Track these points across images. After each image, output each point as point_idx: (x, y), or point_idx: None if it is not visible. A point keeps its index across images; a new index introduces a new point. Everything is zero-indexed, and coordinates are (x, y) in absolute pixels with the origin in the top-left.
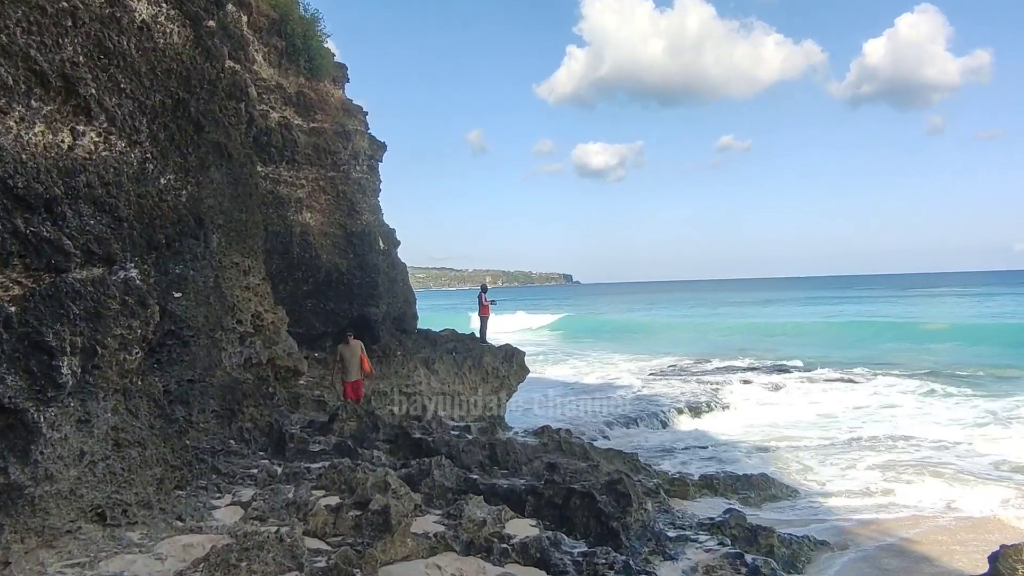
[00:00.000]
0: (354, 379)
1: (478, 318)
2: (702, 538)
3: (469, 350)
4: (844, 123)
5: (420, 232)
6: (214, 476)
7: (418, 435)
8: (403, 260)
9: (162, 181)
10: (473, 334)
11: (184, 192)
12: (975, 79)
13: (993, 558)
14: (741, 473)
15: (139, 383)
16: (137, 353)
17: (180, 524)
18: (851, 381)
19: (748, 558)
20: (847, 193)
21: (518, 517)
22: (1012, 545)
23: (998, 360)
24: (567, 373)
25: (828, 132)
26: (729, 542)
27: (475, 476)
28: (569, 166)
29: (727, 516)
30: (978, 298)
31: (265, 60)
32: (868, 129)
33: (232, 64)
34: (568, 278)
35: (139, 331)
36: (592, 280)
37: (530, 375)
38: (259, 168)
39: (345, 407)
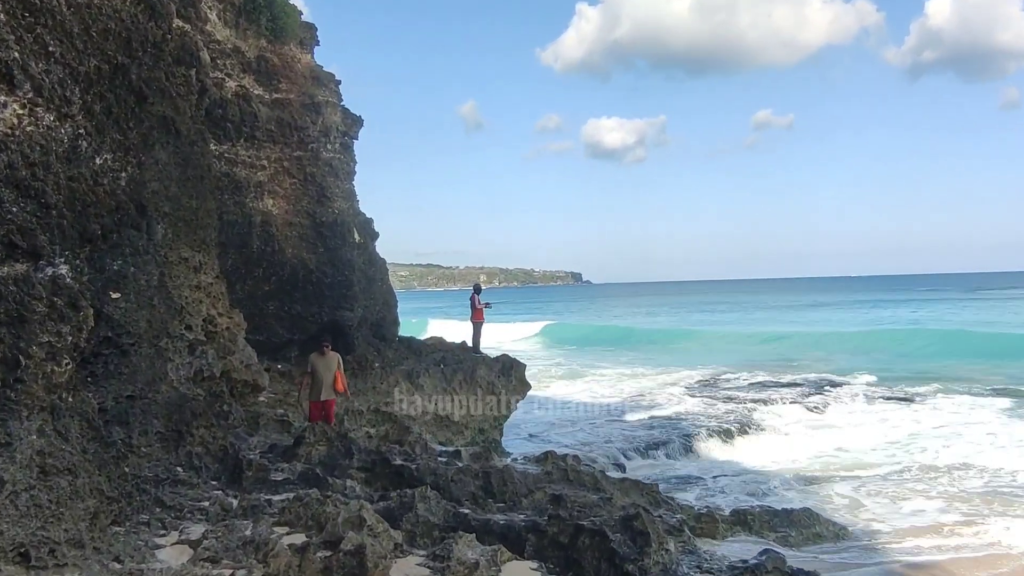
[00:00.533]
0: (325, 398)
1: (470, 324)
2: None
3: (460, 361)
4: (903, 96)
5: (403, 223)
6: (158, 510)
7: (399, 462)
8: (382, 255)
9: (98, 161)
10: (464, 343)
11: (124, 174)
12: None
13: None
14: (780, 508)
15: (70, 400)
16: (67, 364)
17: (117, 566)
18: (911, 400)
19: None
20: (905, 178)
21: (517, 559)
22: None
23: None
24: (575, 389)
25: (884, 106)
26: None
27: (466, 510)
28: (579, 145)
29: (763, 559)
30: None
31: (220, 19)
32: (931, 102)
33: (181, 24)
34: (577, 277)
35: (70, 338)
36: (605, 280)
37: (532, 391)
38: (212, 147)
39: (313, 429)
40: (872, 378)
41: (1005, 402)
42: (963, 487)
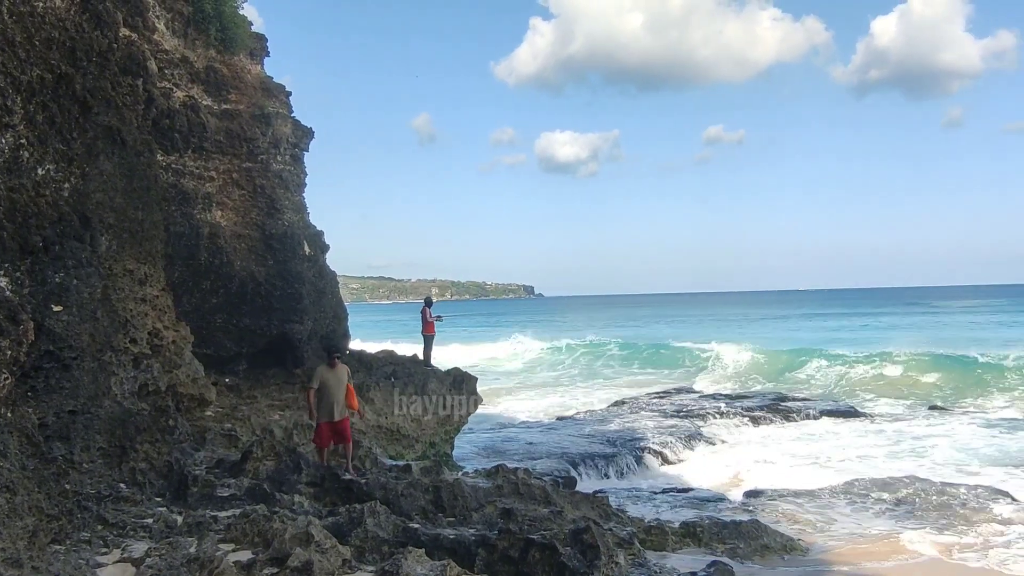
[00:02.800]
0: (340, 418)
1: (421, 337)
2: None
3: (411, 375)
4: (850, 113)
5: (354, 235)
6: (100, 527)
7: (348, 476)
8: (333, 268)
9: (40, 172)
10: (415, 356)
11: (67, 185)
12: (998, 65)
13: None
14: (729, 520)
15: (8, 415)
16: (6, 379)
17: None
18: (856, 415)
19: None
20: (853, 194)
21: (466, 573)
22: None
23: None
24: (527, 404)
25: (831, 123)
26: None
27: (416, 525)
28: (533, 158)
29: (712, 570)
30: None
31: (168, 28)
32: (877, 120)
33: (128, 33)
34: (530, 290)
35: (9, 352)
36: (558, 293)
37: (485, 405)
38: (159, 157)
39: (261, 443)
40: (820, 391)
41: (944, 417)
42: (905, 499)
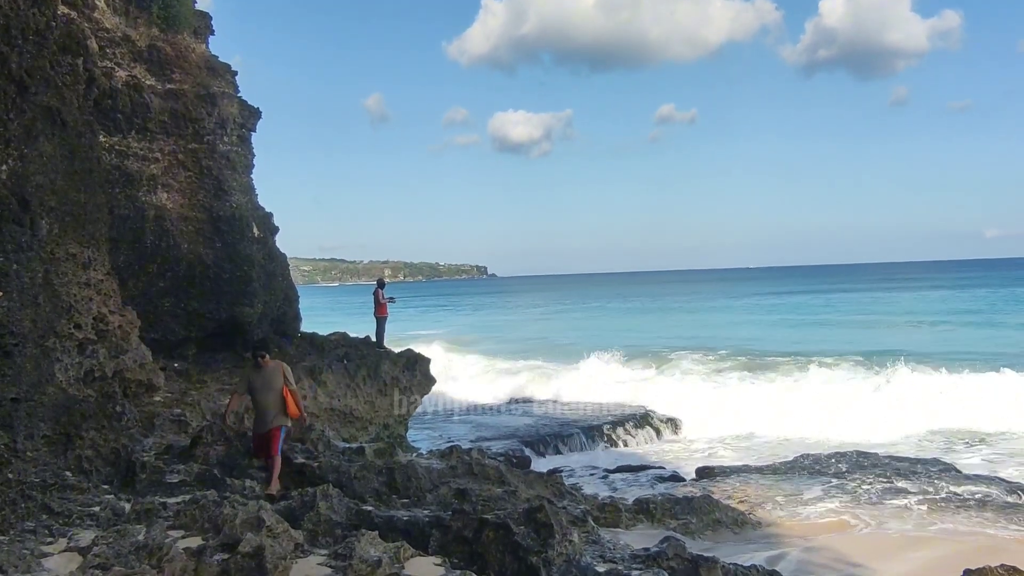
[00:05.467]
0: (268, 428)
1: (373, 318)
2: (636, 572)
3: (363, 357)
4: (798, 92)
5: (305, 217)
6: (44, 516)
7: (300, 460)
8: (284, 250)
9: None
10: (368, 338)
11: (4, 167)
12: (944, 45)
13: None
14: (681, 496)
15: None
16: None
17: None
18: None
19: None
20: (802, 172)
21: (420, 555)
22: (976, 569)
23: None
24: (482, 384)
25: (781, 102)
26: (667, 575)
27: (369, 508)
28: (486, 138)
29: (664, 546)
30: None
31: (108, 6)
32: (825, 99)
33: (67, 11)
34: (483, 270)
35: None
36: (511, 273)
37: (437, 386)
38: (102, 139)
39: (211, 428)
40: (769, 362)
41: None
42: (849, 470)
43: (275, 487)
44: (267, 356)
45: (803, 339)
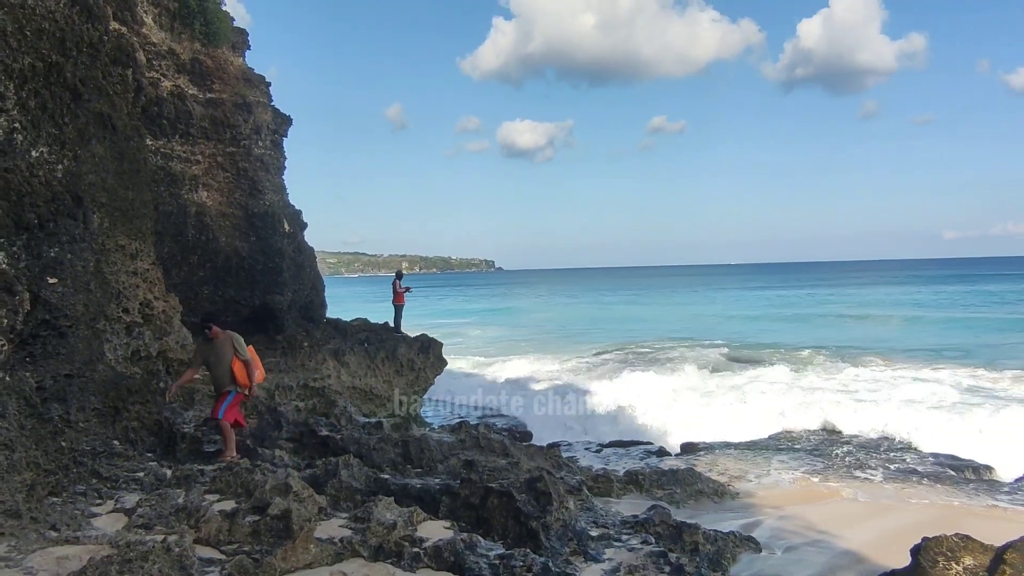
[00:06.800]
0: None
1: (392, 306)
2: (625, 537)
3: (382, 341)
4: (778, 106)
5: (330, 214)
6: (94, 481)
7: (325, 432)
8: (311, 244)
9: (33, 154)
10: (387, 323)
11: (60, 167)
12: (910, 64)
13: (915, 550)
14: (667, 468)
15: (7, 379)
16: (3, 345)
17: (54, 534)
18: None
19: (672, 556)
20: (780, 179)
21: (432, 519)
22: (933, 537)
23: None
24: (493, 366)
25: (762, 115)
26: (653, 540)
27: (386, 476)
28: (495, 145)
29: (651, 513)
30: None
31: (155, 23)
32: (802, 113)
33: (117, 26)
34: (491, 264)
35: (6, 320)
36: (516, 267)
37: (449, 368)
38: (148, 142)
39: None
40: (753, 352)
41: (858, 370)
42: (819, 446)
43: (226, 452)
44: (215, 328)
45: (785, 331)
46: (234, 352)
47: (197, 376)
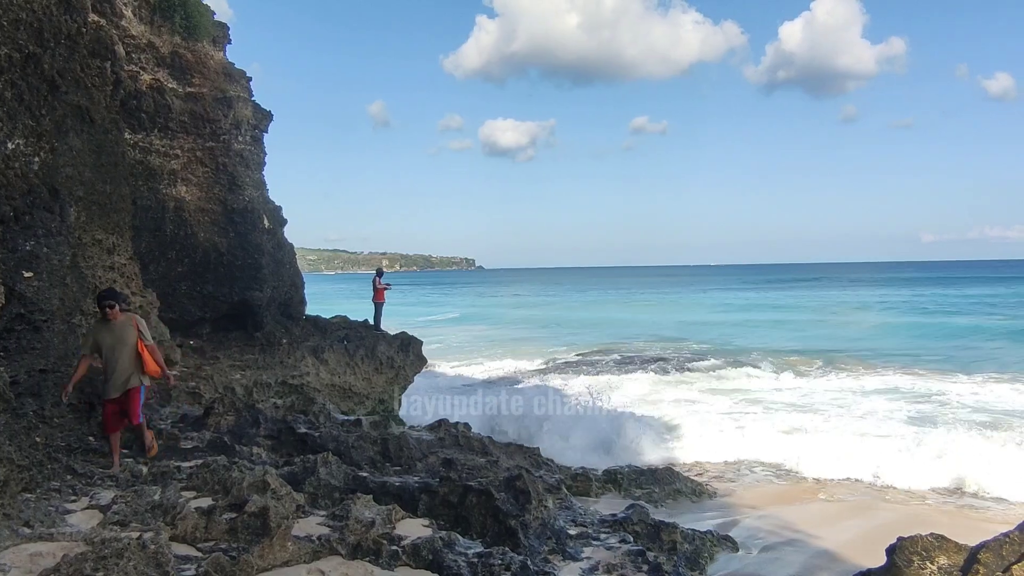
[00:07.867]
0: (121, 392)
1: (372, 304)
2: (604, 535)
3: (362, 338)
4: (759, 108)
5: (311, 211)
6: (69, 477)
7: (303, 430)
8: (291, 240)
9: (9, 146)
10: (366, 321)
11: (36, 159)
12: (890, 68)
13: (891, 550)
14: (645, 468)
15: None
16: None
17: (27, 531)
18: (761, 371)
19: (650, 555)
20: (761, 180)
21: (410, 517)
22: (908, 537)
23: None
24: (472, 366)
25: (743, 116)
26: (631, 539)
27: (365, 474)
28: (477, 143)
29: (629, 512)
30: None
31: (135, 15)
32: (783, 115)
33: (96, 18)
34: (471, 262)
35: None
36: (497, 265)
37: (429, 367)
38: (127, 136)
39: (222, 400)
40: (727, 354)
41: (834, 375)
42: (804, 449)
43: (152, 449)
44: (116, 307)
45: (765, 336)
46: (138, 335)
47: (97, 365)
